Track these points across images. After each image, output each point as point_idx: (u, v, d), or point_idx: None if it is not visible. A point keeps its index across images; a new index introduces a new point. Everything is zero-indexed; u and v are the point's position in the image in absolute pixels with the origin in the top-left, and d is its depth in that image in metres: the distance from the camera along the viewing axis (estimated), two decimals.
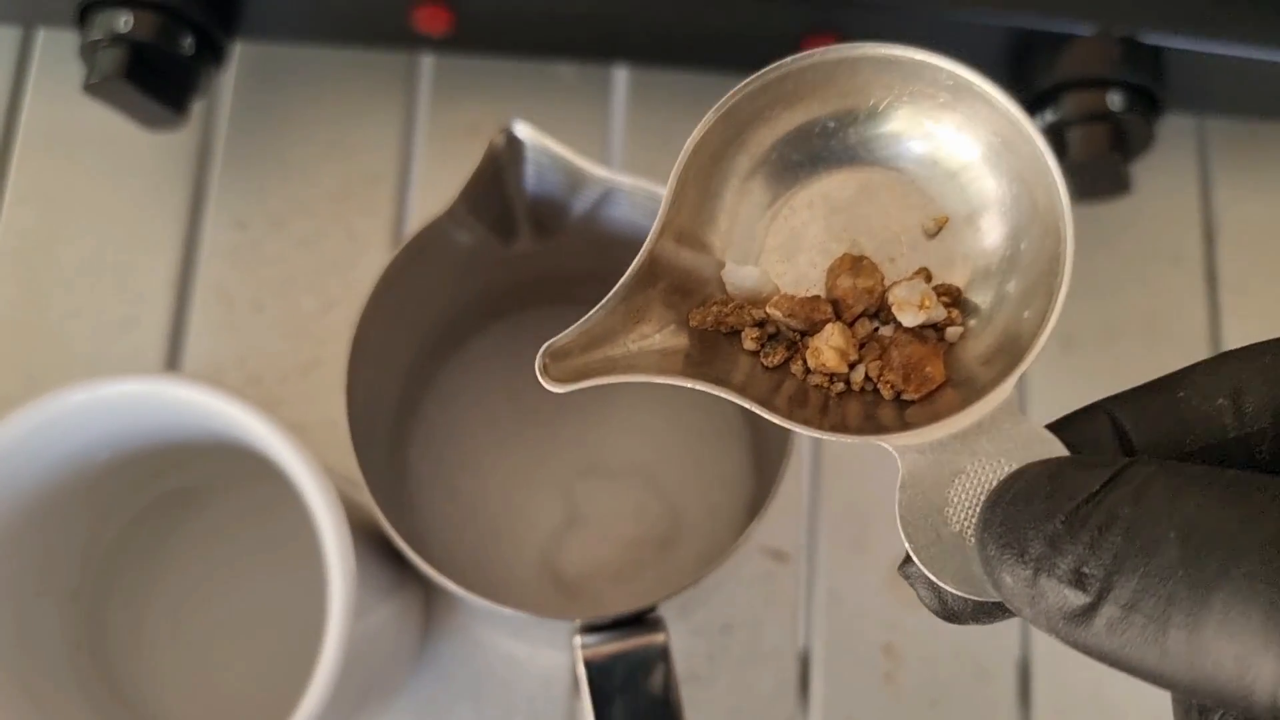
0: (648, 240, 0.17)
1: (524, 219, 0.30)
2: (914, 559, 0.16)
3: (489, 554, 0.34)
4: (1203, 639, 0.12)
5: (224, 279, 0.38)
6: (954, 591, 0.15)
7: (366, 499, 0.28)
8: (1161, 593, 0.12)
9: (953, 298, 0.17)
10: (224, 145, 0.39)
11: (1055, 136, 0.35)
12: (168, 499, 0.33)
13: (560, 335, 0.17)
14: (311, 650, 0.33)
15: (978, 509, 0.15)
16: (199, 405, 0.26)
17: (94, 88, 0.34)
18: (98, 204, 0.39)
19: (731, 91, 0.17)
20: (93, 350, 0.37)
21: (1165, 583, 0.12)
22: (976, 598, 0.15)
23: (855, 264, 0.17)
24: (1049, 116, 0.35)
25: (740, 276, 0.18)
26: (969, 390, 0.16)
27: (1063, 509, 0.13)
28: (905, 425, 0.16)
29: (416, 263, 0.28)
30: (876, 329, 0.17)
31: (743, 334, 0.18)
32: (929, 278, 0.17)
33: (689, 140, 0.17)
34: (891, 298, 0.17)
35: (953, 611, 0.16)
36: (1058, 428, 0.16)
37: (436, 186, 0.39)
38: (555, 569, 0.34)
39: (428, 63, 0.40)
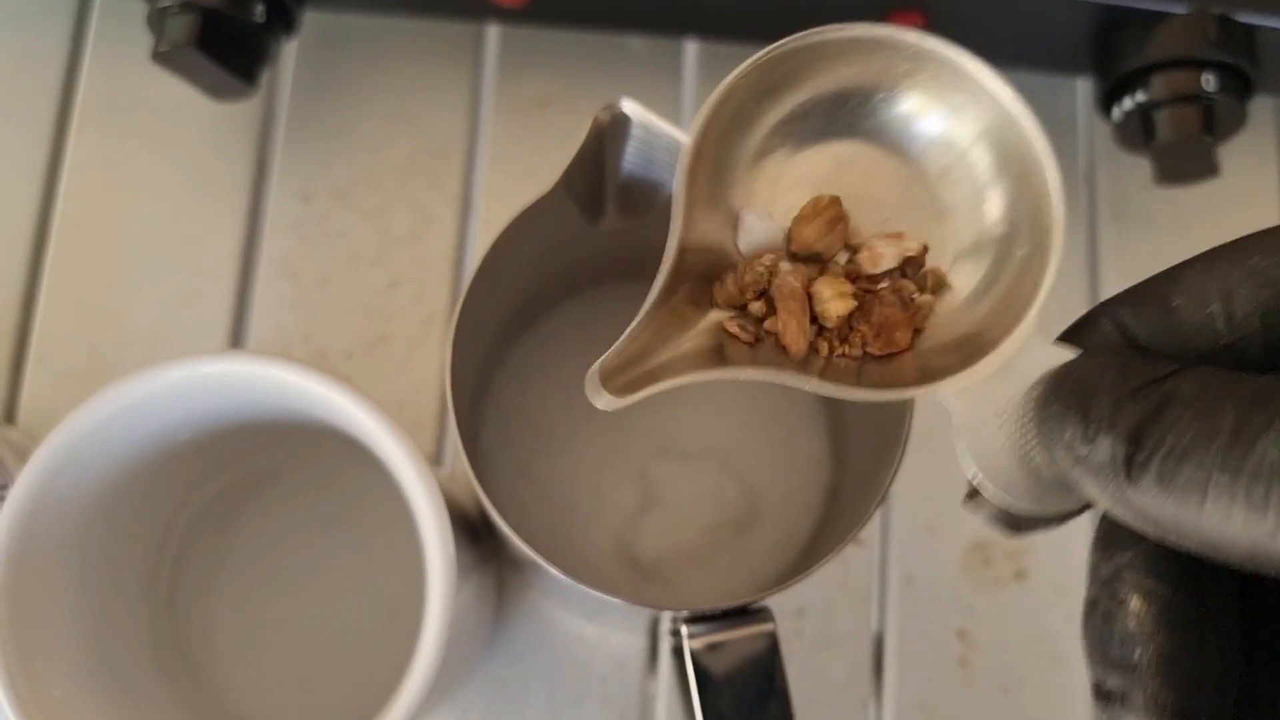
0: (668, 251, 0.17)
1: (612, 197, 0.30)
2: (982, 490, 0.17)
3: (563, 536, 0.34)
4: (1239, 485, 0.13)
5: (288, 252, 0.37)
6: (1023, 507, 0.16)
7: (443, 476, 0.28)
8: (1211, 445, 0.13)
9: (920, 260, 0.18)
10: (286, 116, 0.38)
11: (1143, 118, 0.34)
12: (239, 481, 0.33)
13: (606, 354, 0.17)
14: (384, 629, 0.33)
15: (1028, 422, 0.16)
16: (294, 387, 0.26)
17: (163, 56, 0.33)
18: (159, 175, 0.38)
19: (732, 74, 0.17)
20: (155, 324, 0.37)
21: (1215, 437, 0.13)
22: (1041, 509, 0.17)
23: (824, 213, 0.18)
24: (1139, 97, 0.34)
25: (755, 232, 0.18)
26: (973, 349, 0.17)
27: (1130, 383, 0.14)
28: (934, 379, 0.17)
29: (511, 243, 0.27)
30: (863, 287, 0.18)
31: (726, 323, 0.18)
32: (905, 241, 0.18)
33: (691, 132, 0.17)
34: (862, 251, 0.18)
35: (1019, 525, 0.17)
36: (1068, 336, 0.17)
37: (504, 161, 0.38)
38: (631, 552, 0.34)
39: (494, 34, 0.39)
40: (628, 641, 0.35)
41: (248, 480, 0.32)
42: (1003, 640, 0.35)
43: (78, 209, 0.38)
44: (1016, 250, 0.18)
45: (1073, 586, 0.36)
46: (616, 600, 0.24)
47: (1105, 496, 0.14)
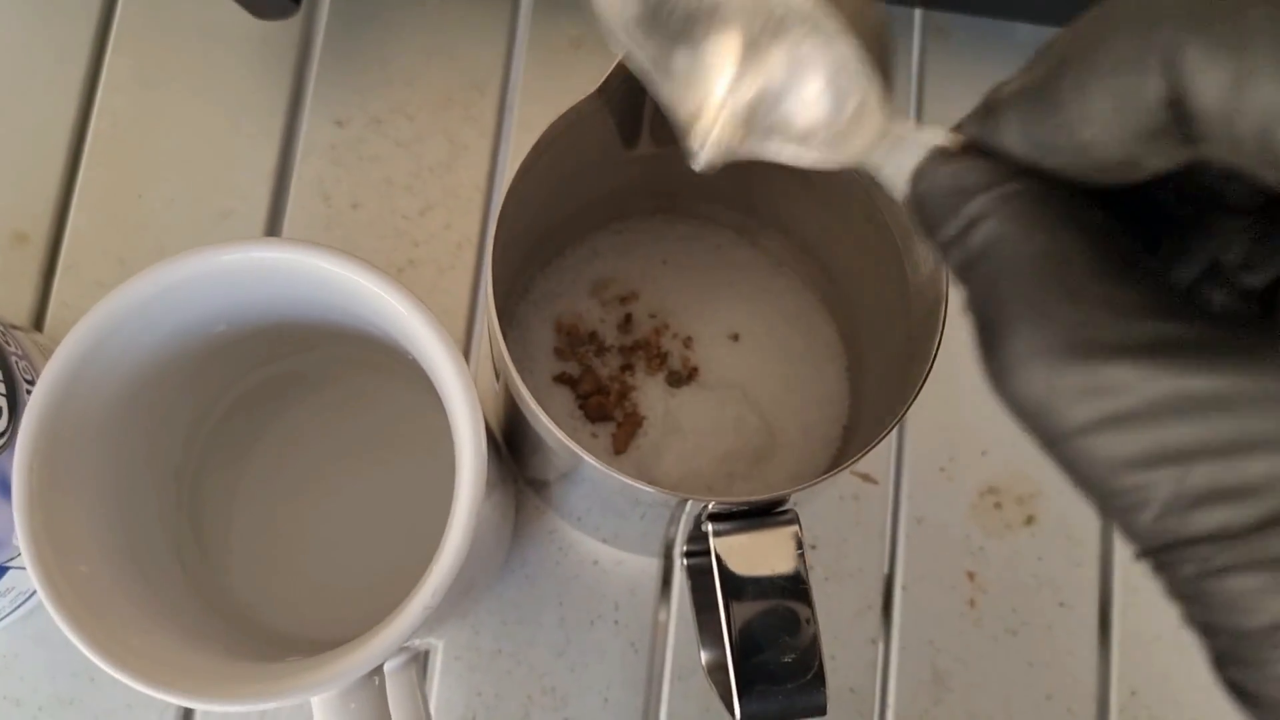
0: None
1: (649, 116, 0.30)
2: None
3: None
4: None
5: (322, 175, 0.38)
6: None
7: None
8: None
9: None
10: (323, 43, 0.39)
11: None
12: (271, 384, 0.33)
13: None
14: (401, 546, 0.33)
15: None
16: (336, 278, 0.26)
17: None
18: (195, 94, 0.38)
19: None
20: (186, 240, 0.37)
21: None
22: None
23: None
24: None
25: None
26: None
27: (953, 219, 0.16)
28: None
29: (551, 148, 0.28)
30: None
31: None
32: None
33: None
34: None
35: None
36: (970, 121, 0.17)
37: (538, 97, 0.39)
38: (650, 478, 0.34)
39: None
40: (642, 568, 0.35)
41: (280, 383, 0.33)
42: (1011, 583, 0.36)
43: (113, 124, 0.38)
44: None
45: (1084, 535, 0.36)
46: (645, 490, 0.25)
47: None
